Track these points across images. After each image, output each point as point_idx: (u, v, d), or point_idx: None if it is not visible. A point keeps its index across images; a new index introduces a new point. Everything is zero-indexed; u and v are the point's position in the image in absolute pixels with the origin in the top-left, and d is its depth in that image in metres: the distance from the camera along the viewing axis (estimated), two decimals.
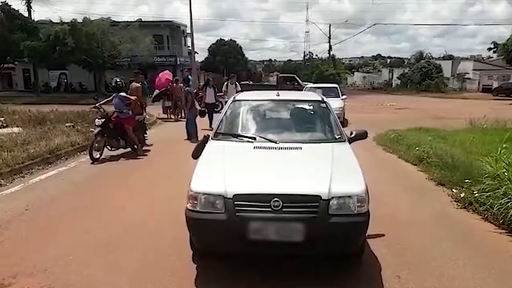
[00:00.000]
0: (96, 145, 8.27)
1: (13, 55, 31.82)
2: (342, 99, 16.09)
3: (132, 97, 9.04)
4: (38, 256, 3.95)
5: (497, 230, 4.61)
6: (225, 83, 14.51)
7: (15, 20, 29.91)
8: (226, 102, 10.51)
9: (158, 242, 4.27)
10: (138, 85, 10.50)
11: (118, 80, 9.03)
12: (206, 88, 13.55)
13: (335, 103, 15.72)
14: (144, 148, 9.67)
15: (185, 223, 3.37)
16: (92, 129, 8.81)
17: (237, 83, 14.40)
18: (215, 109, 13.23)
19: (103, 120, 8.28)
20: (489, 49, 38.92)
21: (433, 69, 46.17)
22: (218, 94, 14.01)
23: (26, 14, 32.24)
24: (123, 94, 8.83)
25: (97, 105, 8.68)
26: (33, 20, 31.99)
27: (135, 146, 9.10)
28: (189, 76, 14.40)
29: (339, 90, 17.11)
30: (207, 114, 11.73)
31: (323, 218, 3.13)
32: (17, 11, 30.87)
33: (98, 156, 8.32)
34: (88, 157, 8.12)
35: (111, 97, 8.93)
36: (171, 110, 16.78)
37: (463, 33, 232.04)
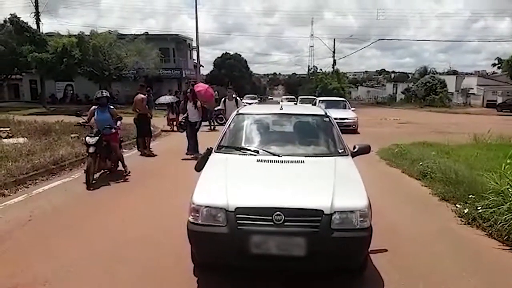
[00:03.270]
0: (92, 168, 7.11)
1: (21, 67, 32.15)
2: (353, 110, 18.11)
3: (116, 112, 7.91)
4: (39, 267, 3.95)
5: (501, 247, 4.56)
6: (222, 99, 12.43)
7: (23, 32, 30.32)
8: (225, 121, 9.94)
9: (159, 254, 4.25)
10: (144, 96, 10.78)
11: (104, 92, 7.95)
12: (187, 102, 10.88)
13: (350, 114, 17.47)
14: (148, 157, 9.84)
15: (186, 236, 3.37)
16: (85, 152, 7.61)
17: (238, 98, 12.34)
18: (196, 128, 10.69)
19: (96, 138, 7.21)
20: (493, 64, 39.22)
21: (438, 84, 46.26)
22: (216, 108, 12.91)
23: (34, 27, 32.78)
24: (112, 107, 7.86)
25: (81, 122, 7.80)
26: (42, 33, 32.41)
27: (122, 167, 8.05)
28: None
29: (347, 103, 19.62)
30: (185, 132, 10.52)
31: (325, 233, 3.12)
32: (26, 23, 31.29)
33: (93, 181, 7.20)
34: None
35: (91, 109, 7.78)
36: (175, 123, 16.87)
37: (467, 49, 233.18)
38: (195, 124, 10.49)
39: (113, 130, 7.64)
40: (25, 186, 7.15)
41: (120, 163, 8.14)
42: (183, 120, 10.56)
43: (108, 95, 7.86)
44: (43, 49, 29.21)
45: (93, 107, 7.74)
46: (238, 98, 11.98)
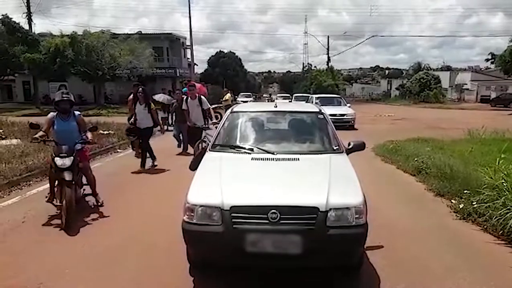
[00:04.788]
0: (73, 203, 5.03)
1: (13, 67, 31.97)
2: (349, 107, 18.67)
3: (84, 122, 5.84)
4: (33, 269, 3.91)
5: (496, 241, 4.57)
6: (184, 97, 9.72)
7: (15, 33, 30.10)
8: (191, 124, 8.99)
9: (154, 255, 4.22)
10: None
11: (65, 93, 5.49)
12: (137, 103, 8.57)
13: (348, 111, 17.93)
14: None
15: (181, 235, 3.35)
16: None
17: (202, 97, 9.56)
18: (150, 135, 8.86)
19: (71, 158, 5.14)
20: (487, 60, 39.39)
21: (432, 80, 46.53)
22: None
23: (26, 27, 32.56)
24: (78, 113, 5.70)
25: (39, 136, 5.36)
26: (34, 33, 32.22)
27: (93, 195, 5.93)
28: (185, 88, 14.29)
29: (343, 99, 20.39)
30: (137, 139, 8.71)
31: (321, 230, 3.11)
32: (18, 24, 31.09)
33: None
34: None
35: (48, 117, 5.50)
36: (167, 121, 16.79)
37: (461, 44, 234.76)
38: (146, 131, 8.55)
39: (79, 146, 5.41)
40: (19, 188, 7.09)
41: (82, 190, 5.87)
42: (132, 125, 8.55)
43: (72, 98, 5.48)
44: (36, 49, 29.05)
45: (51, 114, 5.52)
46: (202, 96, 9.61)
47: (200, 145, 8.00)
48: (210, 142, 8.03)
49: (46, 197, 5.49)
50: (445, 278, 3.72)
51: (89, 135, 5.58)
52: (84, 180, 5.86)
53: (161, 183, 7.60)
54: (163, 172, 8.51)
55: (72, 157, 5.16)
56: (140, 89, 8.63)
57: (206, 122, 9.28)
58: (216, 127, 8.24)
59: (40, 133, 5.41)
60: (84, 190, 5.86)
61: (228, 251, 3.18)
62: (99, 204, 5.91)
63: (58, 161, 5.09)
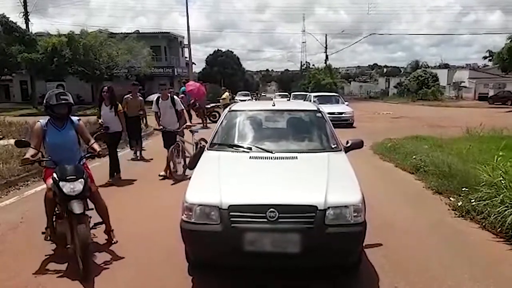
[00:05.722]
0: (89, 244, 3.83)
1: (11, 67, 31.86)
2: (347, 105, 18.87)
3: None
4: (32, 270, 3.89)
5: (495, 239, 4.58)
6: (156, 97, 8.29)
7: (12, 32, 29.99)
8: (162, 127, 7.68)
9: (154, 254, 4.21)
10: (140, 98, 9.77)
11: (62, 93, 4.19)
12: (102, 105, 7.51)
13: (346, 109, 18.05)
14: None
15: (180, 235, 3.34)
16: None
17: (175, 97, 8.40)
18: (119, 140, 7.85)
19: (82, 181, 3.86)
20: (485, 57, 39.23)
21: (430, 78, 46.62)
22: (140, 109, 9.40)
23: (24, 27, 32.46)
24: (77, 118, 4.41)
25: (30, 156, 3.98)
26: (31, 33, 32.11)
27: (105, 229, 4.51)
28: (183, 88, 14.04)
29: (341, 98, 20.69)
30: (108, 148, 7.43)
31: (320, 229, 3.11)
32: (15, 23, 30.98)
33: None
34: None
35: (36, 127, 4.21)
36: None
37: (459, 42, 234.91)
38: (114, 136, 7.38)
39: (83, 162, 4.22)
40: (17, 188, 7.08)
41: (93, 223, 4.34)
42: (101, 129, 7.03)
43: (71, 100, 4.23)
44: (33, 49, 28.94)
45: (39, 123, 4.21)
46: (175, 96, 8.47)
47: (174, 150, 7.59)
48: (183, 147, 7.77)
49: (43, 233, 4.18)
50: (444, 276, 3.72)
51: (95, 146, 4.31)
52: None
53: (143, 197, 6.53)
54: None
55: (82, 179, 3.85)
56: (105, 87, 7.54)
57: (180, 125, 8.03)
58: (191, 131, 8.10)
59: (31, 151, 3.99)
60: (90, 218, 4.12)
61: (226, 250, 3.17)
62: (113, 242, 4.47)
63: (66, 187, 3.73)
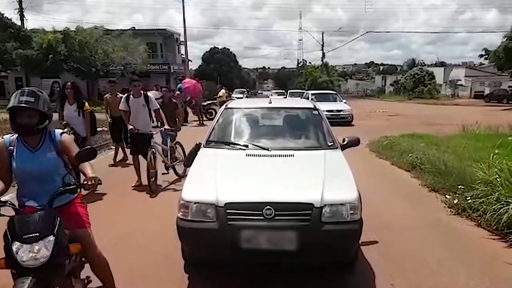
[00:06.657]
0: None
1: (6, 64, 31.64)
2: (345, 103, 18.96)
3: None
4: None
5: (490, 236, 4.60)
6: (125, 95, 7.07)
7: (7, 29, 29.79)
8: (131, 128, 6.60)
9: (149, 253, 4.21)
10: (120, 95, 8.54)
11: (27, 92, 2.61)
12: (65, 103, 6.40)
13: (345, 107, 18.05)
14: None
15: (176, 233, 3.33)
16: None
17: (149, 94, 7.21)
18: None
19: (50, 240, 2.31)
20: (481, 56, 39.34)
21: (426, 76, 46.74)
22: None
23: (18, 23, 32.23)
24: (59, 132, 2.82)
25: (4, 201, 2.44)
26: (26, 29, 31.91)
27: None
28: (179, 85, 13.90)
29: (339, 95, 20.71)
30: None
31: (316, 226, 3.10)
32: (10, 20, 30.78)
33: None
34: None
35: (1, 145, 2.71)
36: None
37: (455, 41, 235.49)
38: (82, 138, 6.21)
39: (65, 199, 2.75)
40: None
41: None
42: (70, 129, 6.10)
43: (42, 105, 2.59)
44: (28, 45, 28.81)
45: (3, 138, 2.80)
46: (149, 94, 7.27)
47: (151, 156, 6.55)
48: (158, 151, 6.83)
49: None
50: (439, 273, 3.73)
51: (88, 169, 2.68)
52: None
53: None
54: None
55: (52, 236, 2.33)
56: (69, 83, 6.38)
57: (178, 122, 7.47)
58: (172, 132, 7.32)
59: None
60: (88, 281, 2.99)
61: (223, 248, 3.16)
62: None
63: (21, 253, 2.26)
